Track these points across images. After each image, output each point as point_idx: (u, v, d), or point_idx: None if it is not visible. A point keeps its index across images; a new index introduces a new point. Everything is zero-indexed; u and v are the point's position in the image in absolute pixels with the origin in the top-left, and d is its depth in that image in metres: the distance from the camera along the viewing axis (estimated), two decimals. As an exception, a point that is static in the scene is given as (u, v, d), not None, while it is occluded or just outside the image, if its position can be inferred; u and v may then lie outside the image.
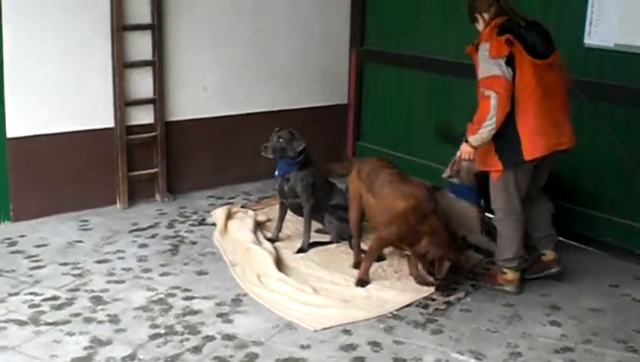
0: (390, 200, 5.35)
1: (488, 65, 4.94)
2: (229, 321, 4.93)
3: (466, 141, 5.17)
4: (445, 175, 5.95)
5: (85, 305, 5.06)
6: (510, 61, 4.93)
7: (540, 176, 5.34)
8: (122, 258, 5.87)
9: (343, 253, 6.02)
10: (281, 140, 5.94)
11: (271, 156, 5.96)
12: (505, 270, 5.39)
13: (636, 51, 5.88)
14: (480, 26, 5.20)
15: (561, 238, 5.85)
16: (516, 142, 5.02)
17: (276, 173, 6.10)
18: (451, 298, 5.32)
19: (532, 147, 5.03)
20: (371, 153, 8.10)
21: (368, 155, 8.14)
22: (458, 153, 5.34)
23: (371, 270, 5.58)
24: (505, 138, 5.03)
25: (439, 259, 5.14)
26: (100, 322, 4.85)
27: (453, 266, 5.19)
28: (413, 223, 5.20)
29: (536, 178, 5.31)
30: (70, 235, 6.27)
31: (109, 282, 5.43)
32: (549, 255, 5.61)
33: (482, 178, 5.73)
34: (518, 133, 5.00)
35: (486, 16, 5.14)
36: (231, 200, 7.23)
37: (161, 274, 5.60)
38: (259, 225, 6.45)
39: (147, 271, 5.65)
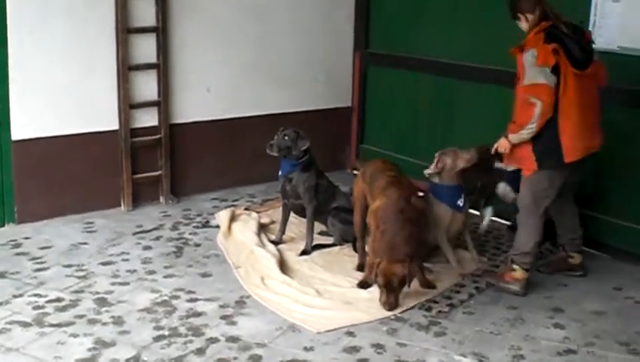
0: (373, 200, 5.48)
1: (534, 72, 5.08)
2: (233, 323, 4.94)
3: (506, 137, 5.32)
4: (428, 171, 5.88)
5: (89, 307, 5.08)
6: (555, 69, 5.06)
7: (573, 177, 5.49)
8: (126, 260, 5.88)
9: (347, 256, 6.03)
10: (286, 138, 5.95)
11: (276, 154, 5.97)
12: (515, 266, 5.47)
13: (639, 54, 5.89)
14: (522, 23, 5.29)
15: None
16: (556, 146, 5.18)
17: (279, 173, 6.11)
18: (454, 300, 5.32)
19: (572, 150, 5.21)
20: (375, 156, 8.10)
21: (372, 158, 8.17)
22: (496, 145, 5.43)
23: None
24: (545, 141, 5.20)
25: (377, 264, 5.08)
26: (104, 324, 4.86)
27: (380, 273, 5.04)
28: (378, 222, 5.25)
29: (570, 180, 5.44)
30: (74, 237, 6.28)
31: (113, 284, 5.45)
32: (576, 258, 5.81)
33: (470, 179, 5.88)
34: (559, 138, 5.17)
35: (530, 17, 5.23)
36: (235, 203, 7.24)
37: (165, 276, 5.61)
38: (262, 228, 6.46)
39: (151, 273, 5.66)
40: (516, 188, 5.74)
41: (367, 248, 5.83)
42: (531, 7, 5.23)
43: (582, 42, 5.24)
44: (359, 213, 5.76)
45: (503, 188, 6.05)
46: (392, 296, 5.08)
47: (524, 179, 5.41)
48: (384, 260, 5.03)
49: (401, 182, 5.51)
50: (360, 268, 5.75)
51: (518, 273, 5.47)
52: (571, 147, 5.20)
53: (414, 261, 5.13)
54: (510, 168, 5.82)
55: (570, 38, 5.16)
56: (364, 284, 5.44)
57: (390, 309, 5.08)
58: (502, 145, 5.38)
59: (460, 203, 5.74)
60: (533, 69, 5.09)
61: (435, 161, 5.77)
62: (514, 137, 5.27)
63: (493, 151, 5.51)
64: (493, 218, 6.35)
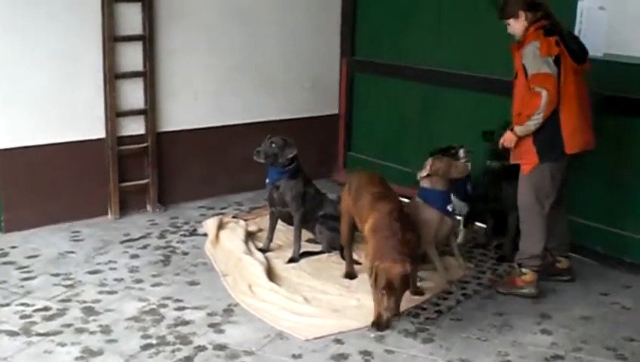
0: (363, 219, 5.38)
1: (539, 63, 5.16)
2: (221, 331, 4.93)
3: (512, 130, 5.35)
4: (421, 174, 5.85)
5: (77, 316, 5.06)
6: (556, 61, 5.17)
7: (567, 175, 5.53)
8: (114, 268, 5.87)
9: (335, 263, 6.03)
10: (273, 145, 5.95)
11: (263, 161, 5.97)
12: (524, 270, 5.51)
13: (625, 61, 5.93)
14: (517, 23, 5.33)
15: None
16: (557, 138, 5.25)
17: (267, 181, 6.11)
18: (442, 307, 5.34)
19: (573, 142, 5.28)
20: (362, 163, 8.16)
21: (359, 165, 8.21)
22: (502, 140, 5.47)
23: (362, 279, 5.61)
24: (546, 133, 5.25)
25: (376, 269, 4.87)
26: (91, 333, 4.85)
27: (381, 276, 4.82)
28: (377, 236, 5.09)
29: (565, 177, 5.49)
30: (61, 246, 6.27)
31: (100, 293, 5.43)
32: (563, 262, 5.84)
33: (459, 184, 5.93)
34: (560, 129, 5.24)
35: (530, 15, 5.29)
36: (222, 211, 7.24)
37: (153, 285, 5.60)
38: (250, 235, 6.46)
39: (139, 281, 5.65)
40: (461, 197, 6.04)
41: (355, 256, 5.86)
42: (533, 5, 5.30)
43: (577, 39, 5.42)
44: (345, 224, 5.75)
45: (455, 201, 6.01)
46: (392, 299, 4.83)
47: (523, 177, 5.42)
48: (384, 261, 4.86)
49: (387, 196, 5.44)
50: (348, 275, 5.77)
51: (529, 276, 5.51)
52: (572, 139, 5.27)
53: (413, 263, 5.04)
54: (426, 184, 5.76)
55: (566, 35, 5.31)
56: (350, 275, 5.73)
57: (393, 314, 4.90)
58: (508, 138, 5.41)
59: (450, 208, 5.74)
60: (537, 59, 5.17)
61: (429, 164, 5.74)
62: (520, 129, 5.29)
63: (500, 146, 5.55)
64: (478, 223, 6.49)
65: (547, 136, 5.26)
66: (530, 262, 5.49)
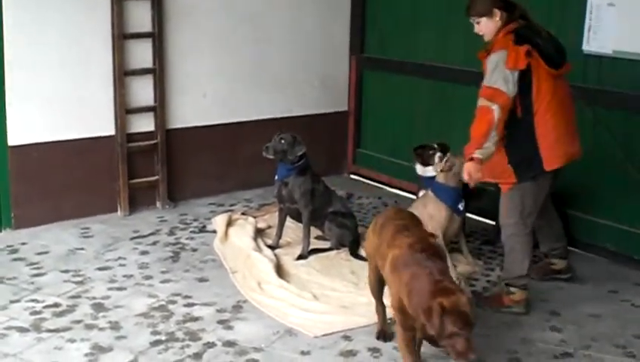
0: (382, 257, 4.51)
1: (496, 76, 4.79)
2: (230, 328, 4.94)
3: (471, 159, 4.86)
4: (438, 169, 5.79)
5: (86, 312, 5.08)
6: (526, 73, 4.81)
7: (553, 185, 5.26)
8: (123, 265, 5.88)
9: (343, 260, 6.03)
10: (283, 142, 5.95)
11: (272, 157, 5.97)
12: (512, 289, 5.22)
13: (634, 58, 5.91)
14: (490, 23, 4.96)
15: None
16: (534, 154, 4.91)
17: (275, 177, 6.12)
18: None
19: (552, 157, 4.93)
20: (371, 160, 8.17)
21: (368, 162, 8.22)
22: (466, 176, 4.94)
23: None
24: (521, 150, 4.94)
25: (426, 310, 3.93)
26: (101, 329, 4.86)
27: (450, 313, 3.88)
28: (400, 275, 4.22)
29: (551, 190, 5.24)
30: (71, 243, 6.29)
31: (110, 289, 5.45)
32: (559, 264, 5.70)
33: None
34: (537, 145, 4.89)
35: (505, 15, 4.94)
36: (231, 208, 7.25)
37: (162, 281, 5.61)
38: (259, 232, 6.46)
39: (148, 278, 5.67)
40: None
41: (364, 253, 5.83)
42: (508, 4, 4.96)
43: (554, 40, 4.99)
44: (372, 271, 4.73)
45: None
46: (465, 338, 3.88)
47: (503, 196, 5.11)
48: (441, 299, 3.89)
49: (409, 228, 4.49)
50: (380, 335, 4.84)
51: (517, 295, 5.22)
52: (551, 155, 4.92)
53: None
54: (440, 179, 5.76)
55: (541, 37, 4.90)
56: (384, 335, 4.83)
57: (474, 358, 3.90)
58: (471, 170, 4.88)
59: (461, 206, 5.73)
60: (496, 72, 4.78)
61: (445, 159, 5.72)
62: (481, 152, 4.81)
63: (465, 180, 5.04)
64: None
65: (523, 154, 4.92)
66: (518, 282, 5.20)
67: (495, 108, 4.76)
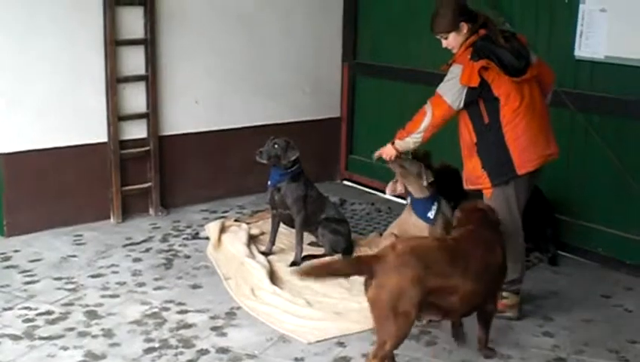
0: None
1: (447, 87, 4.93)
2: (223, 334, 4.94)
3: (392, 143, 5.23)
4: (388, 191, 5.80)
5: (79, 320, 5.07)
6: (483, 87, 4.84)
7: (527, 192, 5.20)
8: (116, 272, 5.88)
9: (337, 266, 6.02)
10: (276, 147, 5.95)
11: (265, 161, 5.97)
12: (505, 294, 5.19)
13: (626, 63, 5.93)
14: (459, 37, 4.99)
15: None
16: (506, 158, 4.93)
17: (268, 183, 6.12)
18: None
19: (524, 160, 4.94)
20: (364, 166, 8.17)
21: (361, 168, 8.23)
22: (378, 152, 5.35)
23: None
24: (493, 155, 4.96)
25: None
26: (94, 336, 4.86)
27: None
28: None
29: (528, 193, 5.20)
30: (64, 250, 6.28)
31: (103, 296, 5.44)
32: (511, 299, 5.28)
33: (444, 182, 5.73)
34: (508, 150, 4.91)
35: (470, 26, 4.95)
36: (224, 214, 7.25)
37: (155, 288, 5.61)
38: (252, 239, 6.46)
39: (141, 285, 5.66)
40: None
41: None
42: (473, 15, 4.98)
43: (517, 48, 4.92)
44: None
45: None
46: None
47: (488, 201, 5.03)
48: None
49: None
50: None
51: (510, 300, 5.20)
52: (523, 159, 4.93)
53: None
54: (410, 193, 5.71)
55: (502, 48, 4.86)
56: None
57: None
58: (386, 152, 5.29)
59: (431, 215, 5.64)
60: (449, 83, 4.91)
61: (393, 181, 5.74)
62: (400, 143, 5.18)
63: (376, 157, 5.34)
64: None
65: (494, 158, 4.95)
66: (511, 287, 5.18)
67: (429, 115, 4.96)
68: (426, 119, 4.96)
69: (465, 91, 4.86)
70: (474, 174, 5.06)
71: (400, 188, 5.70)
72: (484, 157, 5.00)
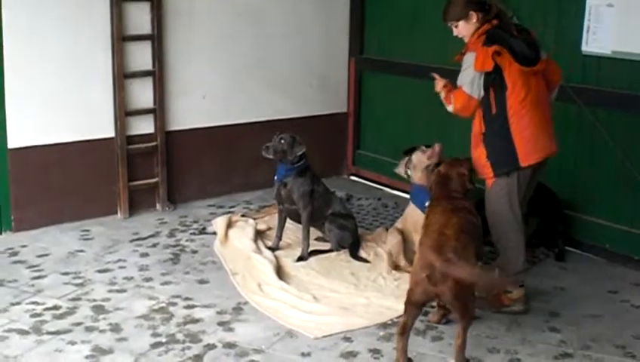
0: None
1: (464, 77, 4.99)
2: (230, 329, 4.95)
3: (449, 82, 5.23)
4: (396, 169, 5.87)
5: (87, 314, 5.09)
6: (497, 72, 4.89)
7: (529, 187, 5.25)
8: (123, 267, 5.89)
9: (343, 261, 6.04)
10: (283, 142, 5.96)
11: (271, 157, 5.97)
12: (510, 288, 5.21)
13: (633, 58, 5.91)
14: (468, 25, 5.04)
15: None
16: (510, 150, 4.98)
17: (275, 178, 6.12)
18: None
19: (528, 152, 4.99)
20: (371, 161, 8.18)
21: (368, 163, 8.23)
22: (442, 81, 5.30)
23: (371, 278, 5.67)
24: (497, 145, 5.02)
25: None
26: (101, 331, 4.87)
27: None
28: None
29: (529, 186, 5.23)
30: (71, 245, 6.29)
31: (110, 291, 5.45)
32: (515, 293, 5.31)
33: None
34: (513, 141, 4.96)
35: (481, 16, 5.01)
36: (231, 209, 7.26)
37: (163, 283, 5.62)
38: (259, 234, 6.47)
39: (148, 280, 5.67)
40: None
41: (364, 254, 5.83)
42: (483, 5, 5.02)
43: (528, 40, 5.00)
44: None
45: None
46: None
47: (488, 192, 5.14)
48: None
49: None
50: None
51: (515, 293, 5.21)
52: (527, 150, 4.98)
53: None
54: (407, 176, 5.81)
55: (514, 37, 4.93)
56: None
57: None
58: (439, 83, 5.31)
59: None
60: (465, 72, 4.97)
61: (404, 162, 5.82)
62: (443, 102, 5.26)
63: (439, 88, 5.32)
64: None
65: (499, 149, 5.00)
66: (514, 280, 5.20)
67: (450, 107, 5.14)
68: (449, 108, 5.13)
69: (482, 77, 4.91)
70: (479, 163, 5.11)
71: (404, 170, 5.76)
72: (489, 147, 5.04)
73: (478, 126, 5.09)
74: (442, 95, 5.23)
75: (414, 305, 4.45)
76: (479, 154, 5.09)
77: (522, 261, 5.22)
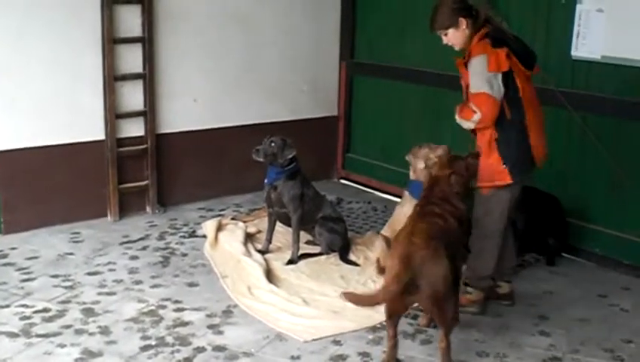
0: None
1: (481, 81, 4.80)
2: (220, 332, 4.94)
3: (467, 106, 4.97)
4: (407, 156, 5.83)
5: (76, 317, 5.08)
6: (509, 75, 4.84)
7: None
8: (113, 270, 5.88)
9: (333, 265, 6.04)
10: (273, 145, 5.95)
11: (261, 160, 5.97)
12: (470, 289, 5.25)
13: (623, 63, 5.94)
14: (458, 33, 4.96)
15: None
16: (527, 153, 4.97)
17: (265, 181, 6.12)
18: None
19: (539, 153, 5.04)
20: (361, 165, 8.20)
21: (358, 167, 8.24)
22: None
23: (361, 281, 5.67)
24: (515, 150, 4.95)
25: None
26: (91, 334, 4.86)
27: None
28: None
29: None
30: (61, 247, 6.28)
31: (99, 294, 5.44)
32: (504, 287, 5.46)
33: None
34: (529, 141, 4.95)
35: (471, 22, 4.92)
36: (221, 212, 7.25)
37: (152, 286, 5.61)
38: (249, 237, 6.47)
39: (138, 282, 5.66)
40: None
41: (353, 257, 5.83)
42: (472, 11, 4.93)
43: (521, 42, 4.99)
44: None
45: None
46: None
47: (483, 198, 5.07)
48: None
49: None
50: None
51: (474, 295, 5.25)
52: (540, 151, 5.02)
53: None
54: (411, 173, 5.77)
55: (511, 40, 4.90)
56: None
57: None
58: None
59: None
60: (481, 76, 4.80)
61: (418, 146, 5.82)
62: (460, 121, 5.00)
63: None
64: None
65: (517, 155, 4.94)
66: (480, 283, 5.23)
67: (477, 115, 4.85)
68: (475, 117, 4.87)
69: (499, 78, 4.79)
70: (494, 170, 4.97)
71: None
72: (505, 153, 4.93)
73: (488, 134, 4.93)
74: (456, 111, 5.03)
75: (397, 317, 4.52)
76: (494, 161, 4.96)
77: (492, 267, 5.20)
